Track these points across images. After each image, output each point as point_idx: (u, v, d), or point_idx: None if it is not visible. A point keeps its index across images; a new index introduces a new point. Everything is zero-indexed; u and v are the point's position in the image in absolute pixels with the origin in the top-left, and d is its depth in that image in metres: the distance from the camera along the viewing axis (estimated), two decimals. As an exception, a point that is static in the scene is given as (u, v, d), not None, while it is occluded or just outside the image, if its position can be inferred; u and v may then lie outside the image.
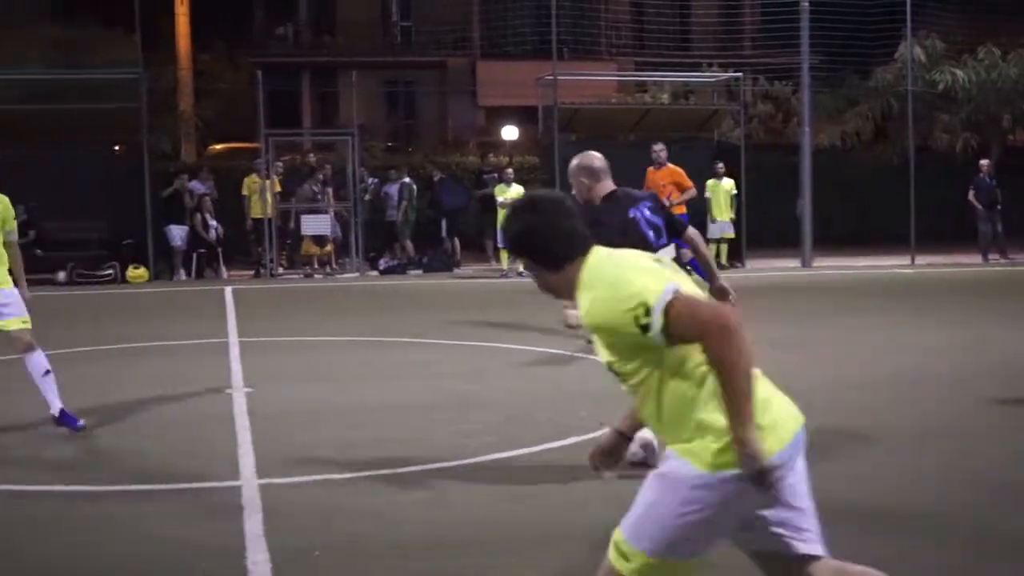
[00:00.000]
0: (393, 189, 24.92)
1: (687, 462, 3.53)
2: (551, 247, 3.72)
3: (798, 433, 3.61)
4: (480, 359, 12.39)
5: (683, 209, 17.61)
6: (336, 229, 24.05)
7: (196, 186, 24.49)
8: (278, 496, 6.92)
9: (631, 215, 7.09)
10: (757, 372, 3.51)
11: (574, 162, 7.38)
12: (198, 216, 23.86)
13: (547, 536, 6.08)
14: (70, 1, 35.24)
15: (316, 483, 7.31)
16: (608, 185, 7.23)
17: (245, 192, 24.38)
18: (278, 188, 24.09)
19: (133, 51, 25.38)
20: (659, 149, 18.60)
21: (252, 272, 23.77)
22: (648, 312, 3.45)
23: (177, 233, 23.37)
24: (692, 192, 18.58)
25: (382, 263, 24.27)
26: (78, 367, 11.95)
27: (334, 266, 24.17)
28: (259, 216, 23.95)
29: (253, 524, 6.32)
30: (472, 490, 7.11)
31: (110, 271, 22.95)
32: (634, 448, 6.48)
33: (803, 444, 3.62)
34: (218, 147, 33.91)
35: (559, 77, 25.64)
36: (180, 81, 33.46)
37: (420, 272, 23.73)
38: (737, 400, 3.39)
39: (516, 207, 3.86)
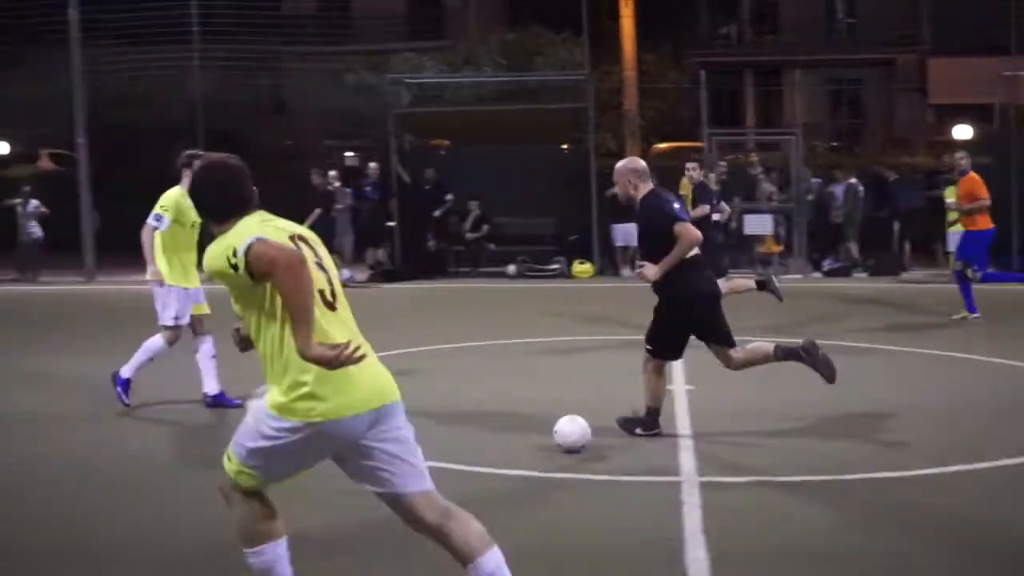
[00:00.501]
0: (838, 189, 24.36)
1: (270, 402, 4.37)
2: (217, 203, 4.52)
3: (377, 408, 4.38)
4: (893, 363, 12.17)
5: (972, 223, 15.50)
6: (779, 229, 23.80)
7: (641, 184, 24.93)
8: (718, 495, 6.93)
9: (676, 206, 8.32)
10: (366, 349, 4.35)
11: (622, 164, 8.67)
12: (641, 214, 24.30)
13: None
14: (522, 8, 36.78)
15: (756, 484, 7.28)
16: (649, 185, 8.48)
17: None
18: (715, 187, 24.11)
19: (580, 53, 26.16)
20: (960, 157, 16.06)
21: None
22: (235, 253, 4.22)
23: (621, 231, 23.78)
24: (982, 203, 15.48)
25: (826, 264, 23.79)
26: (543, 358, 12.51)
27: (779, 265, 23.91)
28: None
29: (692, 521, 6.38)
30: (918, 503, 6.91)
31: (557, 265, 23.72)
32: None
33: (386, 413, 4.39)
34: (662, 146, 34.29)
35: (1018, 74, 24.36)
36: (625, 81, 34.12)
37: (865, 275, 22.93)
38: (298, 319, 4.17)
39: (200, 166, 4.67)
